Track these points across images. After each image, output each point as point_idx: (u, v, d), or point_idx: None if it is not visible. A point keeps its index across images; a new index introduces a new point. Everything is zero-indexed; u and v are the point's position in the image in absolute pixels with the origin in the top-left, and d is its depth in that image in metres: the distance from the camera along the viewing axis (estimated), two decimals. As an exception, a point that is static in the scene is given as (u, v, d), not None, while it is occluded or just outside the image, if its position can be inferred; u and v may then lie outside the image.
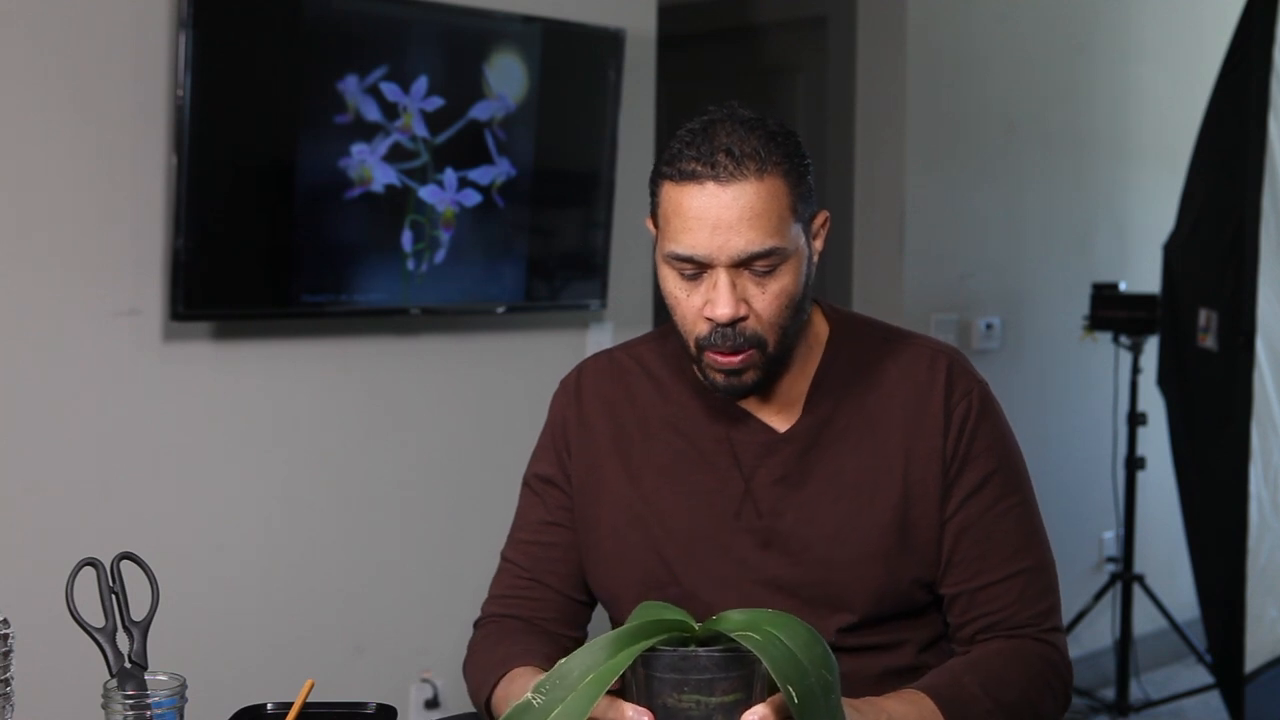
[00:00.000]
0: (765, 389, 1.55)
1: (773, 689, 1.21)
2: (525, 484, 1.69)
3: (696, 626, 1.23)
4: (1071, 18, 4.35)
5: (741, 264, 1.43)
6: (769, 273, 1.45)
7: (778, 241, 1.43)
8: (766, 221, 1.42)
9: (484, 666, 1.56)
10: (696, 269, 1.45)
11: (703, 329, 1.47)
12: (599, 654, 1.19)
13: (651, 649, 1.21)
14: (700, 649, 1.21)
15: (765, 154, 1.43)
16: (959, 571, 1.54)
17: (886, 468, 1.53)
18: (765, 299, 1.45)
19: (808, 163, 1.49)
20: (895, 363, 1.58)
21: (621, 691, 1.25)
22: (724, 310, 1.43)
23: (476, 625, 1.67)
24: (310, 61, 2.64)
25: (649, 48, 3.29)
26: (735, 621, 1.20)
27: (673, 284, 1.48)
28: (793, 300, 1.48)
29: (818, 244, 1.53)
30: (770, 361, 1.49)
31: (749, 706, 1.20)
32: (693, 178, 1.43)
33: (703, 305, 1.46)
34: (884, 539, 1.52)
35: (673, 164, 1.45)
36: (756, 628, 1.19)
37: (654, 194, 1.49)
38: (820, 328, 1.59)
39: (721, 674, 1.19)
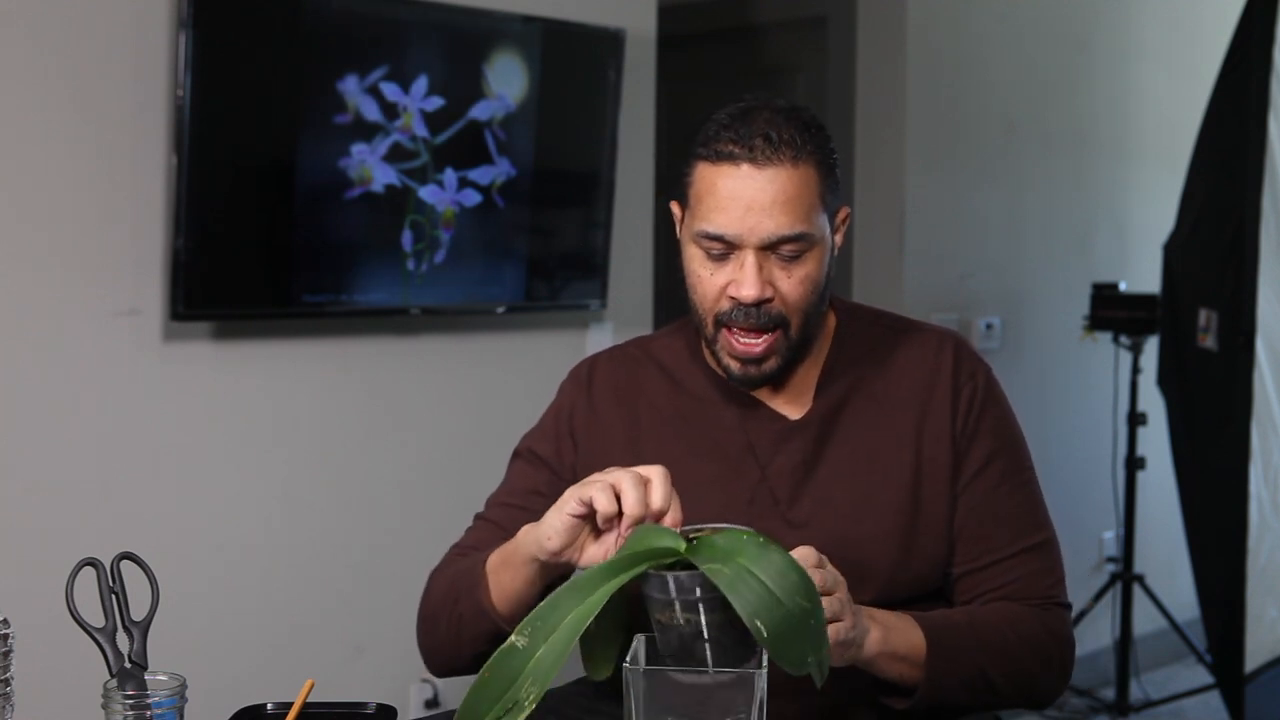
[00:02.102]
0: (780, 379, 1.57)
1: None
2: (517, 455, 1.69)
3: (684, 549, 1.24)
4: (1072, 17, 4.35)
5: (770, 247, 1.47)
6: (795, 258, 1.48)
7: (806, 227, 1.47)
8: (797, 207, 1.46)
9: (460, 572, 1.55)
10: (724, 249, 1.48)
11: (724, 305, 1.50)
12: (579, 593, 1.21)
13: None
14: (685, 573, 1.22)
15: (801, 142, 1.46)
16: (965, 548, 1.56)
17: (898, 447, 1.56)
18: (790, 284, 1.48)
19: (836, 157, 1.53)
20: (903, 347, 1.61)
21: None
22: (750, 291, 1.46)
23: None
24: (310, 61, 2.64)
25: (649, 48, 3.29)
26: (713, 550, 1.21)
27: (698, 263, 1.51)
28: (816, 287, 1.51)
29: (838, 238, 1.56)
30: (792, 348, 1.52)
31: (740, 623, 1.21)
32: (729, 159, 1.46)
33: (726, 284, 1.49)
34: (898, 516, 1.54)
35: (709, 145, 1.48)
36: (729, 559, 1.19)
37: (685, 174, 1.52)
38: (829, 317, 1.63)
39: (710, 594, 1.20)
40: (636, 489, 1.31)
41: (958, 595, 1.57)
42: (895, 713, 1.51)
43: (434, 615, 1.59)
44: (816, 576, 1.26)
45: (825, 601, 1.26)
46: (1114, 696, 4.19)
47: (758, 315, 1.48)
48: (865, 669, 1.41)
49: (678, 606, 1.22)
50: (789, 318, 1.50)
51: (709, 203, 1.47)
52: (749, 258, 1.46)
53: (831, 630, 1.28)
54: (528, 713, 1.19)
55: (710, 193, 1.47)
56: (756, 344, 1.49)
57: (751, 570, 1.18)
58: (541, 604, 1.21)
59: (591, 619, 1.20)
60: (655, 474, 1.33)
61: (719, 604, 1.20)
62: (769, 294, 1.47)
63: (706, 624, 1.22)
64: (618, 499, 1.32)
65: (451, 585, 1.56)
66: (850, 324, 1.63)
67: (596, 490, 1.32)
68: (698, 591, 1.21)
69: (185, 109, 2.49)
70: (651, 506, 1.31)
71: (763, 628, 1.15)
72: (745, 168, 1.45)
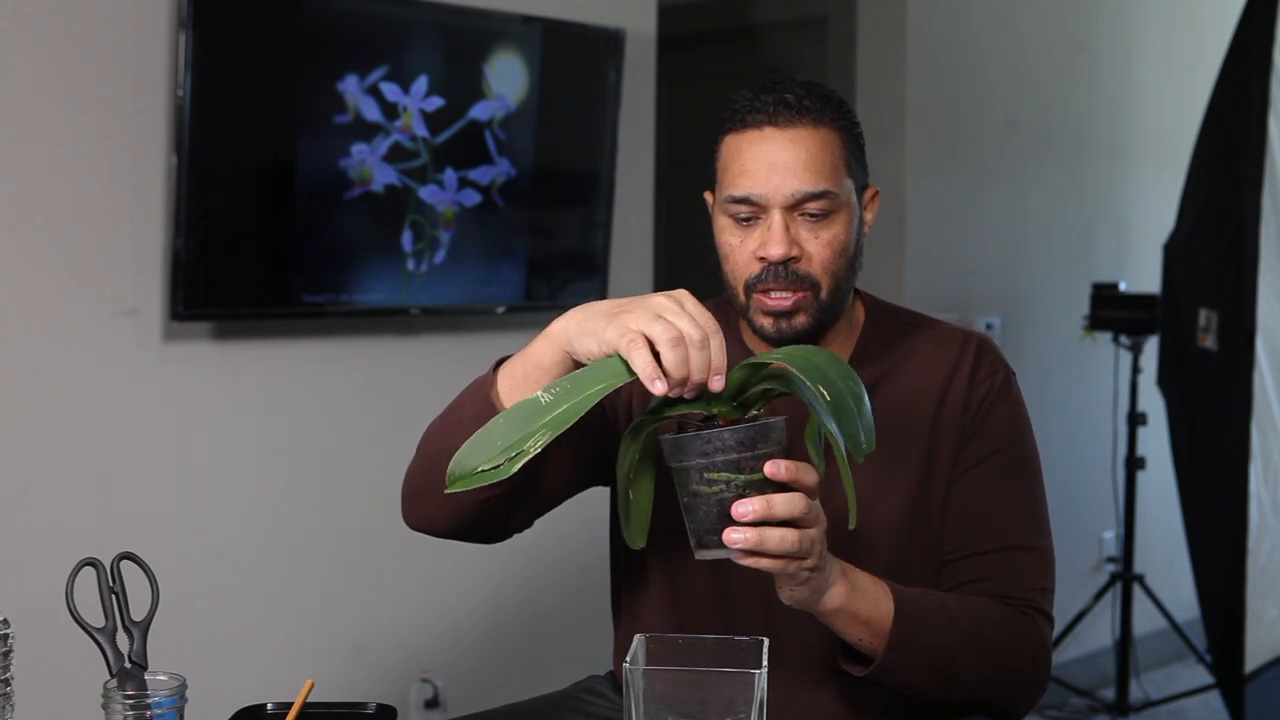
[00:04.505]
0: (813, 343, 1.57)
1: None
2: None
3: (715, 411, 1.28)
4: (1071, 17, 4.35)
5: (795, 206, 1.49)
6: (822, 217, 1.50)
7: (831, 186, 1.50)
8: (821, 165, 1.49)
9: (457, 397, 1.52)
10: (752, 211, 1.51)
11: (755, 269, 1.52)
12: (618, 366, 1.25)
13: (671, 436, 1.25)
14: (725, 428, 1.24)
15: (822, 108, 1.51)
16: (951, 537, 1.57)
17: (913, 439, 1.57)
18: (818, 244, 1.51)
19: (860, 131, 1.56)
20: (929, 344, 1.63)
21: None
22: (777, 249, 1.49)
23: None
24: (310, 61, 2.64)
25: (649, 48, 3.29)
26: (768, 355, 1.28)
27: (728, 233, 1.54)
28: (845, 250, 1.53)
29: (869, 216, 1.60)
30: (822, 309, 1.53)
31: (770, 487, 1.25)
32: (753, 125, 1.50)
33: (756, 249, 1.51)
34: (906, 506, 1.56)
35: (734, 117, 1.53)
36: (784, 353, 1.27)
37: (714, 154, 1.55)
38: (858, 311, 1.65)
39: (748, 452, 1.22)
40: (676, 350, 1.26)
41: (939, 585, 1.57)
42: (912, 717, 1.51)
43: (425, 442, 1.54)
44: (802, 504, 1.26)
45: (798, 535, 1.26)
46: (1114, 696, 4.20)
47: (786, 274, 1.50)
48: (825, 622, 1.40)
49: (717, 466, 1.22)
50: (818, 280, 1.51)
51: (734, 169, 1.51)
52: (775, 217, 1.49)
53: (792, 567, 1.29)
54: (530, 458, 1.21)
55: (735, 159, 1.51)
56: (786, 299, 1.51)
57: (806, 356, 1.25)
58: (574, 372, 1.26)
59: (622, 383, 1.24)
60: (690, 328, 1.27)
61: (758, 463, 1.22)
62: (796, 252, 1.50)
63: (747, 483, 1.22)
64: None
65: (448, 410, 1.52)
66: (878, 318, 1.65)
67: (636, 353, 1.26)
68: (739, 450, 1.22)
69: (185, 109, 2.49)
70: (693, 378, 1.27)
71: (824, 392, 1.20)
72: (768, 130, 1.49)
